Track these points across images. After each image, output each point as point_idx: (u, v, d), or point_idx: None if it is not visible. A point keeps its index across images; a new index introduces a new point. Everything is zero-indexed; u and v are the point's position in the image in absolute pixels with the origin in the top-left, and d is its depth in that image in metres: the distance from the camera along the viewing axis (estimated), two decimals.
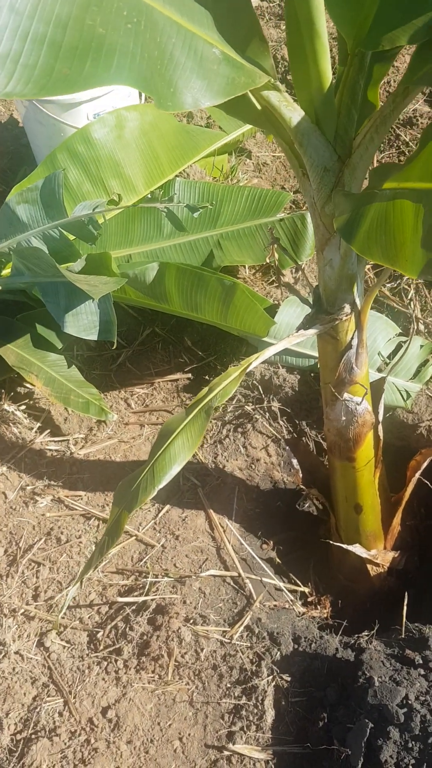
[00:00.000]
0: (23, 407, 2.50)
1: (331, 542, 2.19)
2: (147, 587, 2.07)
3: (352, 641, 2.00)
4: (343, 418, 1.81)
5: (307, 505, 2.52)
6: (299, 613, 2.16)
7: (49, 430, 2.48)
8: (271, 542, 2.35)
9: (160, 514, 2.27)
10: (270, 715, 1.85)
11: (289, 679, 1.90)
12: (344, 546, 2.13)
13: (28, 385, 2.56)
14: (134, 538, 2.22)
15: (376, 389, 1.94)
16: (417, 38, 1.07)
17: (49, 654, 1.98)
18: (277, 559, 2.32)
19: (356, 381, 1.71)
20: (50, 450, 2.44)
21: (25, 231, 2.39)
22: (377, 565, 2.21)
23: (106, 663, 1.95)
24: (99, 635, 2.01)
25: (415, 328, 2.46)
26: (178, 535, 2.21)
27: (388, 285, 2.71)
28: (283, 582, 2.23)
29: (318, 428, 2.51)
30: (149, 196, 2.38)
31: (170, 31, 1.00)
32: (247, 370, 1.47)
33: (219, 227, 2.62)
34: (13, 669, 1.95)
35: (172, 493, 2.33)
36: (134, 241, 2.61)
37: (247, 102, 1.27)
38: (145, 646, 1.96)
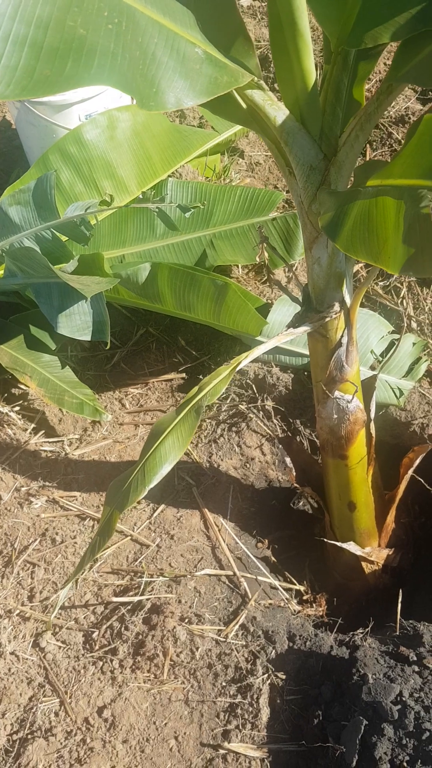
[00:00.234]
0: (17, 408, 2.51)
1: (325, 540, 2.20)
2: (142, 587, 2.07)
3: (347, 639, 2.00)
4: (335, 416, 1.82)
5: (301, 504, 2.53)
6: (294, 611, 2.16)
7: (43, 431, 2.48)
8: (266, 541, 2.35)
9: (155, 514, 2.27)
10: (265, 713, 1.85)
11: (284, 677, 1.91)
12: (338, 544, 2.13)
13: (22, 387, 2.57)
14: (129, 538, 2.22)
15: (368, 387, 1.95)
16: (399, 35, 1.08)
17: (45, 654, 1.98)
18: (273, 558, 2.33)
19: (347, 379, 1.72)
20: (45, 451, 2.44)
21: (18, 232, 2.39)
22: (372, 562, 2.21)
23: (101, 663, 1.95)
24: (94, 635, 2.01)
25: (407, 325, 2.46)
26: (173, 535, 2.22)
27: (381, 283, 2.72)
28: (279, 580, 2.23)
29: (312, 427, 2.51)
30: (141, 196, 2.38)
31: (152, 31, 1.00)
32: (237, 369, 1.48)
33: (212, 227, 2.62)
34: (9, 669, 1.95)
35: (167, 492, 2.33)
36: (127, 242, 2.62)
37: (232, 101, 1.28)
38: (140, 646, 1.96)
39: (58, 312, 2.27)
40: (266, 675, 1.90)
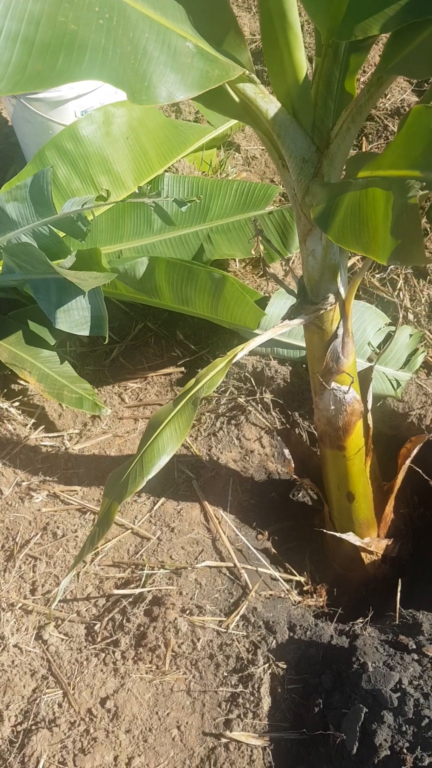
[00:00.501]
0: (17, 404, 2.52)
1: (325, 531, 2.21)
2: (143, 579, 2.09)
3: (347, 628, 2.02)
4: (332, 407, 1.83)
5: (300, 495, 2.54)
6: (295, 602, 2.17)
7: (43, 426, 2.50)
8: (267, 533, 2.37)
9: (155, 507, 2.29)
10: (266, 703, 1.87)
11: (284, 666, 1.92)
12: (338, 534, 2.15)
13: (21, 382, 2.58)
14: (130, 531, 2.24)
15: (364, 378, 1.96)
16: (389, 27, 1.09)
17: (48, 647, 2.00)
18: (273, 550, 2.34)
19: (343, 370, 1.73)
20: (45, 446, 2.46)
21: (15, 229, 2.41)
22: (371, 552, 2.23)
23: (104, 654, 1.97)
24: (96, 627, 2.03)
25: (402, 317, 2.47)
26: (173, 528, 2.23)
27: (378, 275, 2.73)
28: (279, 572, 2.25)
29: (310, 419, 2.52)
30: (137, 191, 2.39)
31: (143, 26, 1.01)
32: (234, 361, 1.49)
33: (209, 221, 2.63)
34: (12, 662, 1.97)
35: (167, 486, 2.35)
36: (124, 237, 2.63)
37: (225, 95, 1.29)
38: (142, 637, 1.98)
39: (56, 307, 2.28)
40: (267, 665, 1.91)
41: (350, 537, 2.15)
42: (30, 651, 1.99)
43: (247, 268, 2.85)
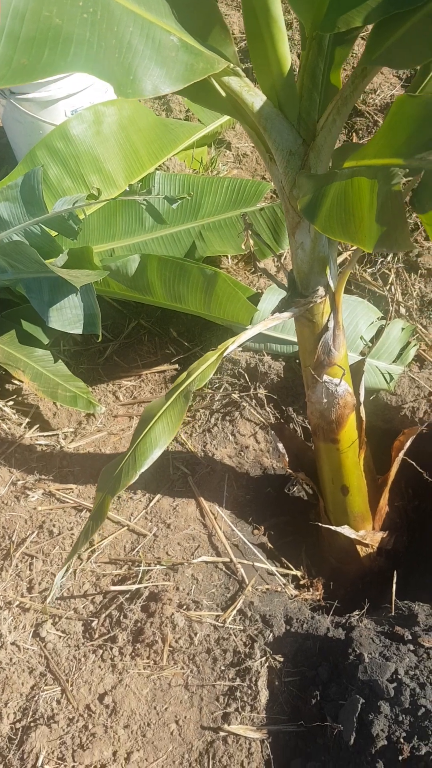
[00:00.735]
0: (11, 403, 2.53)
1: (320, 525, 2.22)
2: (140, 575, 2.10)
3: (343, 621, 2.03)
4: (325, 400, 1.84)
5: (296, 490, 2.55)
6: (291, 595, 2.18)
7: (38, 425, 2.51)
8: (263, 527, 2.38)
9: (151, 504, 2.30)
10: (264, 696, 1.87)
11: (281, 659, 1.93)
12: (333, 528, 2.16)
13: (15, 382, 2.59)
14: (126, 528, 2.25)
15: (356, 371, 1.97)
16: (371, 19, 1.10)
17: (45, 644, 2.01)
18: (269, 544, 2.35)
19: (335, 363, 1.74)
20: (40, 445, 2.46)
21: (7, 228, 2.41)
22: (366, 545, 2.24)
23: (101, 651, 1.98)
24: (94, 624, 2.03)
25: (393, 310, 2.49)
26: (169, 524, 2.24)
27: (369, 270, 2.74)
28: (275, 566, 2.26)
29: (304, 414, 2.53)
30: (128, 189, 2.40)
31: (127, 20, 1.02)
32: (225, 354, 1.50)
33: (200, 218, 2.64)
34: (11, 660, 1.98)
35: (163, 482, 2.35)
36: (116, 235, 2.64)
37: (211, 89, 1.29)
38: (139, 633, 1.98)
39: (49, 306, 2.29)
40: (264, 658, 1.92)
41: (345, 530, 2.15)
42: (28, 648, 2.00)
43: (240, 264, 2.86)
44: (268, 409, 2.51)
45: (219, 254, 2.64)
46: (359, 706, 1.72)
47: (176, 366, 2.68)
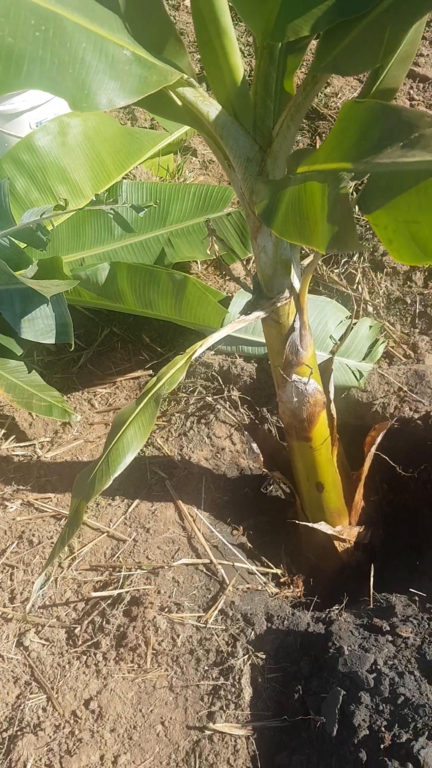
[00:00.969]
0: None
1: (297, 522, 2.26)
2: (121, 581, 2.11)
3: (323, 615, 2.06)
4: (295, 399, 1.87)
5: (273, 489, 2.58)
6: (272, 593, 2.21)
7: (14, 436, 2.51)
8: (242, 528, 2.40)
9: (129, 509, 2.31)
10: (247, 693, 1.90)
11: (264, 656, 1.96)
12: (310, 524, 2.19)
13: None
14: (106, 534, 2.26)
15: (325, 369, 2.00)
16: (319, 27, 1.14)
17: (29, 653, 2.02)
18: (249, 544, 2.37)
19: (303, 362, 1.77)
20: (17, 455, 2.47)
21: None
22: (343, 540, 2.27)
23: (85, 657, 1.99)
24: (77, 631, 2.05)
25: (363, 309, 2.53)
26: (148, 528, 2.26)
27: (336, 270, 2.79)
28: (255, 565, 2.28)
29: (278, 413, 2.57)
30: (94, 198, 2.42)
31: (80, 37, 1.05)
32: (193, 357, 1.53)
33: (168, 225, 2.67)
34: None
35: (141, 487, 2.37)
36: (86, 245, 2.66)
37: (168, 99, 1.32)
38: (122, 638, 2.00)
39: (21, 317, 2.30)
40: (247, 656, 1.95)
41: (322, 526, 2.19)
42: (12, 658, 2.01)
43: (209, 269, 2.89)
44: (242, 410, 2.54)
45: (188, 260, 2.67)
46: (340, 698, 1.75)
47: (150, 372, 2.70)
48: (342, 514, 2.25)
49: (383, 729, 1.70)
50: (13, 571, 2.17)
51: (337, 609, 2.08)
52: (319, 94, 3.44)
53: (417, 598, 2.01)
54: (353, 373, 2.47)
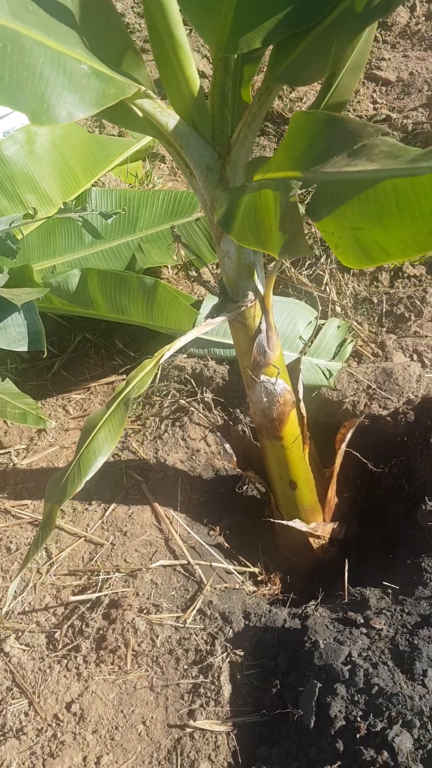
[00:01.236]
0: None
1: (273, 520, 2.29)
2: (99, 584, 2.14)
3: (300, 611, 2.10)
4: (265, 399, 1.91)
5: (249, 489, 2.62)
6: (250, 591, 2.24)
7: None
8: (218, 528, 2.43)
9: (106, 514, 2.34)
10: (227, 690, 1.93)
11: (242, 653, 1.99)
12: (285, 522, 2.23)
13: None
14: (83, 539, 2.28)
15: (293, 369, 2.04)
16: (270, 40, 1.18)
17: (10, 659, 2.03)
18: (226, 544, 2.41)
19: (270, 363, 1.81)
20: None
21: None
22: (318, 537, 2.31)
23: (66, 661, 2.01)
24: (57, 635, 2.06)
25: (329, 310, 2.57)
26: (126, 532, 2.28)
27: (305, 272, 2.83)
28: (233, 565, 2.31)
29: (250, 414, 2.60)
30: (62, 206, 2.45)
31: (38, 52, 1.08)
32: (161, 361, 1.56)
33: (138, 231, 2.70)
34: None
35: (117, 491, 2.40)
36: (57, 252, 2.68)
37: (128, 111, 1.36)
38: (102, 640, 2.02)
39: None
40: (225, 654, 1.97)
41: (296, 523, 2.23)
42: None
43: (180, 274, 2.92)
44: (216, 412, 2.57)
45: (159, 265, 2.70)
46: (317, 690, 1.79)
47: (124, 376, 2.72)
48: (316, 511, 2.29)
49: (359, 719, 1.73)
50: None
51: (313, 604, 2.12)
52: (284, 98, 3.50)
53: (390, 591, 2.05)
54: (323, 372, 2.52)
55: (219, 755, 1.83)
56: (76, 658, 2.00)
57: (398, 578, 2.13)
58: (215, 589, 2.17)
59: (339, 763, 1.68)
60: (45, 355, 2.39)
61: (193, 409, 2.55)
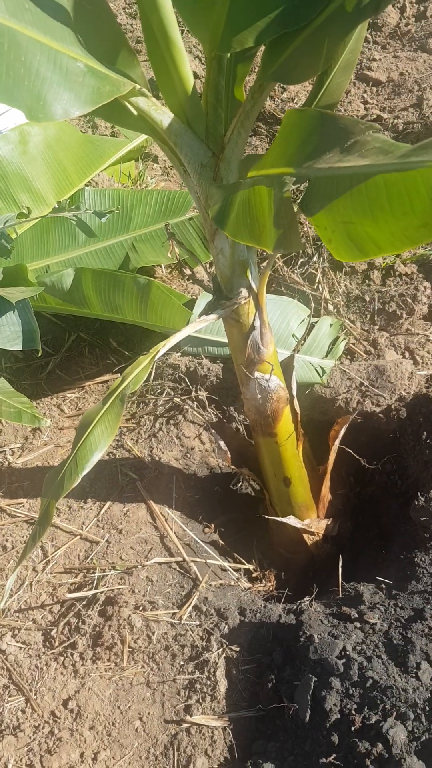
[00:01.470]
0: None
1: (267, 517, 2.31)
2: (95, 582, 2.14)
3: (294, 607, 2.11)
4: (259, 396, 1.92)
5: (243, 486, 2.63)
6: (245, 588, 2.26)
7: None
8: (213, 525, 2.45)
9: (102, 512, 2.35)
10: (223, 685, 1.94)
11: (237, 649, 2.00)
12: (279, 519, 2.24)
13: None
14: (79, 537, 2.29)
15: (287, 366, 2.06)
16: (263, 38, 1.19)
17: (6, 656, 2.04)
18: (221, 541, 2.42)
19: (264, 359, 1.83)
20: None
21: None
22: (312, 533, 2.33)
23: (62, 658, 2.02)
24: (53, 633, 2.07)
25: (321, 308, 2.59)
26: (121, 529, 2.29)
27: (297, 271, 2.85)
28: (228, 561, 2.33)
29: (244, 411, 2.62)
30: (56, 206, 2.46)
31: (34, 50, 1.09)
32: (156, 357, 1.57)
33: (132, 231, 2.71)
34: None
35: (112, 489, 2.41)
36: (51, 252, 2.69)
37: (123, 109, 1.37)
38: (98, 637, 2.03)
39: None
40: (221, 649, 1.99)
41: (291, 520, 2.24)
42: None
43: (174, 273, 2.94)
44: (210, 410, 2.59)
45: (152, 264, 2.71)
46: (312, 684, 1.81)
47: (118, 375, 2.73)
48: (310, 507, 2.31)
49: (354, 712, 1.75)
50: None
51: (307, 600, 2.14)
52: (276, 99, 3.52)
53: (384, 586, 2.07)
54: (316, 370, 2.54)
55: (215, 750, 1.84)
56: (72, 655, 2.01)
57: (392, 573, 2.15)
58: (210, 585, 2.18)
59: (334, 755, 1.69)
60: (39, 354, 2.40)
61: (187, 407, 2.56)
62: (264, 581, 2.38)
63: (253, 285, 1.64)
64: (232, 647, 2.00)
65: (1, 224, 2.28)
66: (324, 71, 1.38)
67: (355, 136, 0.90)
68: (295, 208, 1.02)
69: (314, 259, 2.83)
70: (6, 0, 1.08)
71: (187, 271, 1.82)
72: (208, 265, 2.90)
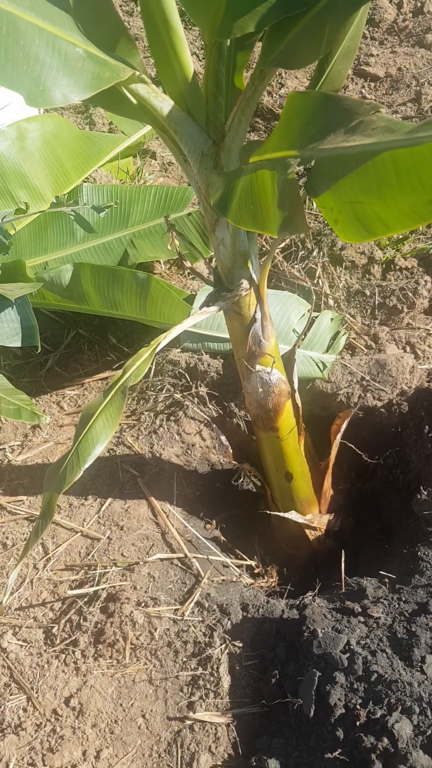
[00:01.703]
0: None
1: (269, 512, 2.29)
2: (97, 578, 2.13)
3: (297, 602, 2.10)
4: (260, 390, 1.91)
5: (244, 482, 2.62)
6: (247, 584, 2.24)
7: None
8: (215, 521, 2.43)
9: (102, 508, 2.33)
10: (226, 681, 1.93)
11: (240, 644, 1.99)
12: (281, 514, 2.23)
13: None
14: (80, 534, 2.27)
15: (288, 360, 2.05)
16: (263, 24, 1.18)
17: (8, 654, 2.02)
18: (222, 537, 2.41)
19: (266, 352, 1.81)
20: None
21: None
22: (314, 528, 2.32)
23: (64, 655, 2.00)
24: (54, 630, 2.06)
25: (322, 302, 2.58)
26: (122, 526, 2.28)
27: (297, 266, 2.84)
28: (230, 558, 2.31)
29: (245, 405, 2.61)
30: (54, 201, 2.45)
31: (33, 35, 1.08)
32: (157, 350, 1.56)
33: (130, 227, 2.70)
34: None
35: (113, 486, 2.39)
36: (49, 248, 2.67)
37: (122, 96, 1.36)
38: (100, 634, 2.01)
39: None
40: (224, 645, 1.97)
41: (293, 515, 2.23)
42: None
43: (173, 269, 2.93)
44: (210, 406, 2.57)
45: (151, 260, 2.70)
46: (316, 679, 1.79)
47: (118, 372, 2.72)
48: (312, 502, 2.30)
49: (358, 706, 1.74)
50: None
51: (310, 595, 2.13)
52: (274, 95, 3.51)
53: (387, 580, 2.06)
54: (317, 364, 2.53)
55: (219, 747, 1.82)
56: (74, 652, 1.99)
57: (395, 567, 2.13)
58: (212, 581, 2.16)
59: (339, 750, 1.68)
60: (38, 351, 2.38)
61: (187, 403, 2.55)
62: (266, 577, 2.36)
63: (254, 276, 1.63)
64: (235, 643, 1.99)
65: None
66: (325, 58, 1.37)
67: (360, 117, 0.89)
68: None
69: (314, 253, 2.82)
70: None
71: (187, 264, 1.82)
72: (208, 259, 2.89)
